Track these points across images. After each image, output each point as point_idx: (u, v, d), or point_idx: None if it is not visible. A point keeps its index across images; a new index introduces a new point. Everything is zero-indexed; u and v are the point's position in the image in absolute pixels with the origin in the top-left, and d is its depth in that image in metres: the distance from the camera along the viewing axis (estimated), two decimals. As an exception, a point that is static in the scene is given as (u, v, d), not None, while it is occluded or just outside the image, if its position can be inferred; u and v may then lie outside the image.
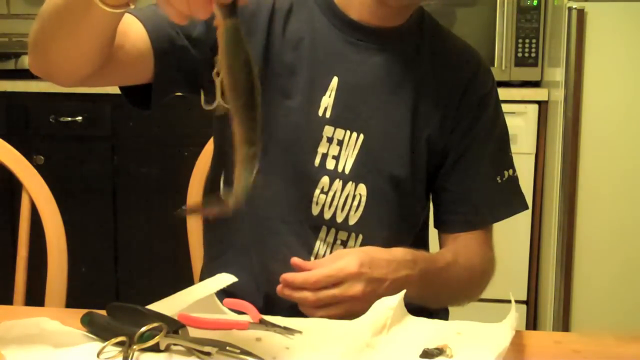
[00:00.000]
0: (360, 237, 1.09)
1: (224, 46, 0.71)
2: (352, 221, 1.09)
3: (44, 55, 0.95)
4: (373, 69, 1.10)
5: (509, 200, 1.18)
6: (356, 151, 1.08)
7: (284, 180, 1.08)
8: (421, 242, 1.19)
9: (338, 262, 0.95)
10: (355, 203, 1.08)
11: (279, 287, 0.95)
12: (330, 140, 1.08)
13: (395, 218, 1.11)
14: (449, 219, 1.16)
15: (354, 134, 1.08)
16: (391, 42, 1.11)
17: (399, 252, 1.00)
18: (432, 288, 1.05)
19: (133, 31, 1.00)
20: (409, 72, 1.11)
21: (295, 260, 0.97)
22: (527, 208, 1.19)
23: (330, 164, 1.08)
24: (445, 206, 1.16)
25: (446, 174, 1.14)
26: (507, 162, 1.17)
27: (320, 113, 1.08)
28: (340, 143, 1.08)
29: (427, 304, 1.05)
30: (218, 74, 0.74)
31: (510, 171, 1.17)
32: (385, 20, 1.10)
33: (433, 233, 1.20)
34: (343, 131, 1.08)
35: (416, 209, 1.15)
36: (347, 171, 1.08)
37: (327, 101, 1.07)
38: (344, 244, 1.09)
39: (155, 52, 1.01)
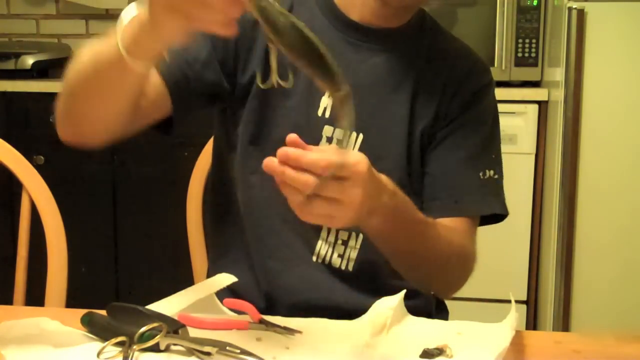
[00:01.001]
0: (361, 236, 1.09)
1: (264, 21, 0.73)
2: None
3: (77, 124, 0.98)
4: (373, 69, 1.10)
5: (488, 198, 1.14)
6: (356, 149, 1.08)
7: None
8: None
9: (347, 155, 0.83)
10: None
11: (273, 163, 0.79)
12: (329, 140, 1.08)
13: None
14: (428, 206, 1.12)
15: (354, 134, 1.08)
16: (391, 42, 1.11)
17: (383, 176, 0.91)
18: (404, 234, 0.98)
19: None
20: (408, 72, 1.11)
21: (293, 136, 0.82)
22: (506, 213, 1.14)
23: None
24: (425, 192, 1.13)
25: (428, 158, 1.12)
26: (491, 163, 1.14)
27: (320, 113, 1.08)
28: (340, 143, 1.08)
29: (393, 256, 1.01)
30: (272, 50, 0.76)
31: (492, 172, 1.13)
32: (386, 21, 1.11)
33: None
34: (342, 130, 1.08)
35: (416, 204, 1.14)
36: None
37: (326, 101, 1.08)
38: (345, 243, 1.09)
39: (170, 89, 1.03)
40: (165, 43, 0.85)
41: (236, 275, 1.06)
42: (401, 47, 1.12)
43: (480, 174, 1.12)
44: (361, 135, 1.08)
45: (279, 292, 1.09)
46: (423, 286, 1.12)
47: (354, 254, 1.09)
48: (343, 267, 1.09)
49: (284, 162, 0.78)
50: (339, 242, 1.09)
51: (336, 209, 0.80)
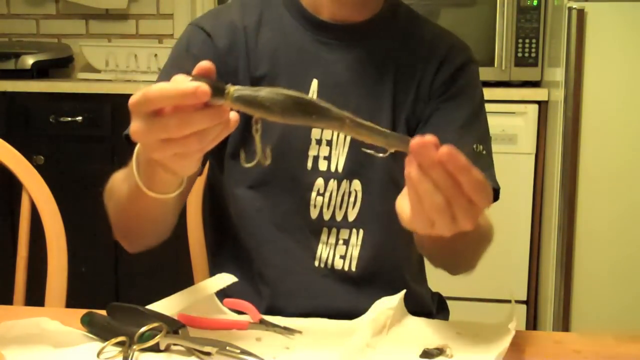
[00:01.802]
0: (361, 231, 1.09)
1: (248, 106, 0.71)
2: (352, 217, 1.09)
3: (134, 240, 1.01)
4: (350, 66, 1.09)
5: (484, 168, 1.12)
6: (346, 149, 1.08)
7: (278, 189, 1.08)
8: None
9: None
10: (352, 199, 1.08)
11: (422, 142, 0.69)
12: (319, 142, 1.08)
13: (391, 208, 1.11)
14: None
15: (342, 135, 1.08)
16: (365, 36, 1.11)
17: None
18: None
19: None
20: (386, 62, 1.10)
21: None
22: (497, 186, 1.09)
23: (322, 165, 1.08)
24: None
25: (420, 131, 1.10)
26: (480, 138, 1.11)
27: None
28: (329, 143, 1.08)
29: (441, 250, 0.98)
30: (257, 130, 0.75)
31: (481, 148, 1.10)
32: (355, 15, 1.10)
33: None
34: (330, 131, 1.08)
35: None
36: (340, 170, 1.08)
37: None
38: (346, 242, 1.09)
39: None
40: (178, 174, 0.82)
41: (236, 287, 1.05)
42: (375, 39, 1.11)
43: (474, 147, 1.09)
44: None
45: (281, 301, 1.09)
46: (454, 269, 1.09)
47: (355, 252, 1.09)
48: (346, 268, 1.09)
49: (445, 159, 0.68)
50: (340, 242, 1.09)
51: (472, 210, 0.72)
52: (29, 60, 2.81)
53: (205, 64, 0.71)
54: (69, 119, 2.60)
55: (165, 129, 0.69)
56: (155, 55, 2.82)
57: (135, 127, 0.71)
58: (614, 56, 2.17)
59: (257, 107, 0.71)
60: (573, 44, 2.15)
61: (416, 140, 0.69)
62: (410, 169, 0.71)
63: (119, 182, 0.92)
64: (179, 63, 1.08)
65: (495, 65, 2.45)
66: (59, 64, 3.03)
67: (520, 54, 2.48)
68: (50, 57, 2.92)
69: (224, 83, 0.71)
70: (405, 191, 0.76)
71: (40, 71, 2.87)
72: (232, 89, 0.70)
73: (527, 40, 2.47)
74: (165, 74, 1.03)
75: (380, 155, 0.78)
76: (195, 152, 0.73)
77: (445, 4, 2.54)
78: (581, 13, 2.14)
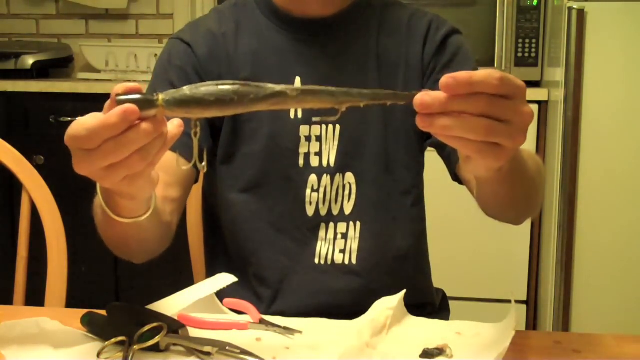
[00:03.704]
0: (359, 224, 1.09)
1: (186, 107, 0.69)
2: (348, 210, 1.09)
3: (127, 255, 1.00)
4: (331, 60, 1.10)
5: None
6: (336, 142, 1.08)
7: (272, 190, 1.09)
8: (418, 219, 1.18)
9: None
10: (347, 192, 1.09)
11: (429, 95, 0.66)
12: (308, 138, 1.08)
13: (387, 197, 1.12)
14: (454, 152, 1.04)
15: (330, 127, 1.08)
16: (341, 28, 1.12)
17: None
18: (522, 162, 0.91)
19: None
20: (367, 51, 1.11)
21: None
22: None
23: (314, 161, 1.08)
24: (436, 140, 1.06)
25: None
26: None
27: (292, 115, 1.08)
28: (319, 139, 1.08)
29: (506, 191, 0.90)
30: (196, 134, 0.73)
31: None
32: (323, 9, 1.11)
33: (430, 222, 1.20)
34: (318, 127, 1.08)
35: (407, 180, 1.14)
36: (332, 164, 1.08)
37: None
38: (345, 236, 1.09)
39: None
40: (137, 197, 0.80)
41: (234, 291, 1.05)
42: (351, 30, 1.12)
43: None
44: (338, 126, 1.08)
45: (283, 302, 1.09)
46: (522, 214, 1.06)
47: (355, 245, 1.09)
48: (347, 262, 1.09)
49: (450, 87, 0.65)
50: (339, 236, 1.09)
51: (507, 130, 0.68)
52: (29, 60, 2.81)
53: (131, 86, 0.69)
54: (69, 119, 2.60)
55: (104, 157, 0.68)
56: (155, 55, 2.81)
57: (76, 161, 0.70)
58: (614, 56, 2.17)
59: (192, 104, 0.68)
60: (573, 44, 2.15)
61: (419, 97, 0.66)
62: (426, 124, 0.67)
63: (96, 207, 0.89)
64: (163, 76, 1.09)
65: (495, 65, 2.45)
66: (59, 64, 3.03)
67: (520, 54, 2.48)
68: (50, 57, 2.92)
69: (151, 94, 0.68)
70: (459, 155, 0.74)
71: (40, 71, 2.87)
72: (161, 96, 0.68)
73: (527, 40, 2.47)
74: (152, 90, 1.03)
75: (331, 119, 0.75)
76: (143, 170, 0.71)
77: (445, 4, 2.54)
78: (581, 13, 2.14)
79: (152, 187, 0.78)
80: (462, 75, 0.65)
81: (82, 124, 0.67)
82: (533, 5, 2.46)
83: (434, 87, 1.07)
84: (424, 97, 0.66)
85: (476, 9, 2.54)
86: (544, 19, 2.48)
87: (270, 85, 0.70)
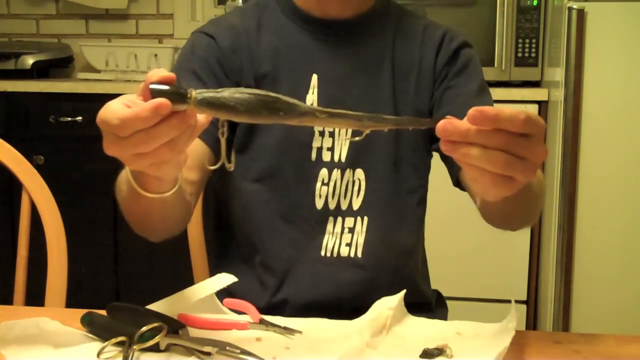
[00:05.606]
0: (366, 219, 1.11)
1: (212, 109, 0.70)
2: (356, 205, 1.11)
3: (146, 232, 0.99)
4: (348, 60, 1.13)
5: None
6: (348, 139, 1.11)
7: (284, 181, 1.11)
8: (421, 219, 1.20)
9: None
10: (356, 188, 1.11)
11: (455, 122, 0.69)
12: (322, 133, 1.11)
13: (395, 194, 1.14)
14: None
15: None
16: (360, 31, 1.14)
17: None
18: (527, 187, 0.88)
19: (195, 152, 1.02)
20: (383, 55, 1.14)
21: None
22: None
23: (326, 156, 1.10)
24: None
25: (437, 111, 1.13)
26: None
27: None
28: (332, 134, 1.11)
29: (511, 208, 0.94)
30: (223, 134, 0.75)
31: None
32: (342, 11, 1.14)
33: (430, 222, 1.20)
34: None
35: (414, 179, 1.16)
36: (343, 159, 1.11)
37: (311, 98, 1.11)
38: (352, 230, 1.11)
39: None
40: (163, 179, 0.82)
41: (240, 283, 1.06)
42: (370, 33, 1.15)
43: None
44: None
45: (287, 292, 1.11)
46: (523, 225, 1.09)
47: (361, 239, 1.11)
48: (352, 255, 1.11)
49: (477, 120, 0.68)
50: (346, 230, 1.11)
51: (523, 166, 0.70)
52: (29, 60, 2.81)
53: (165, 75, 0.70)
54: (69, 119, 2.60)
55: (134, 146, 0.69)
56: (155, 55, 2.82)
57: (106, 143, 0.71)
58: (614, 56, 2.17)
59: (222, 109, 0.70)
60: (573, 44, 2.15)
61: (441, 124, 0.69)
62: (449, 149, 0.70)
63: (121, 182, 0.92)
64: (187, 66, 1.11)
65: (495, 65, 2.45)
66: (59, 64, 3.03)
67: (520, 54, 2.48)
68: (50, 57, 2.92)
69: (185, 89, 0.69)
70: (467, 175, 0.77)
71: (40, 71, 2.87)
72: (194, 93, 0.69)
73: (527, 40, 2.47)
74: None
75: (357, 138, 0.79)
76: (170, 159, 0.73)
77: (445, 4, 2.54)
78: (581, 13, 2.14)
79: (178, 170, 0.80)
80: (490, 110, 0.67)
81: (114, 111, 0.69)
82: (533, 5, 2.46)
83: (444, 93, 1.13)
84: (446, 125, 0.69)
85: (476, 9, 2.54)
86: (544, 19, 2.48)
87: (301, 105, 0.72)
